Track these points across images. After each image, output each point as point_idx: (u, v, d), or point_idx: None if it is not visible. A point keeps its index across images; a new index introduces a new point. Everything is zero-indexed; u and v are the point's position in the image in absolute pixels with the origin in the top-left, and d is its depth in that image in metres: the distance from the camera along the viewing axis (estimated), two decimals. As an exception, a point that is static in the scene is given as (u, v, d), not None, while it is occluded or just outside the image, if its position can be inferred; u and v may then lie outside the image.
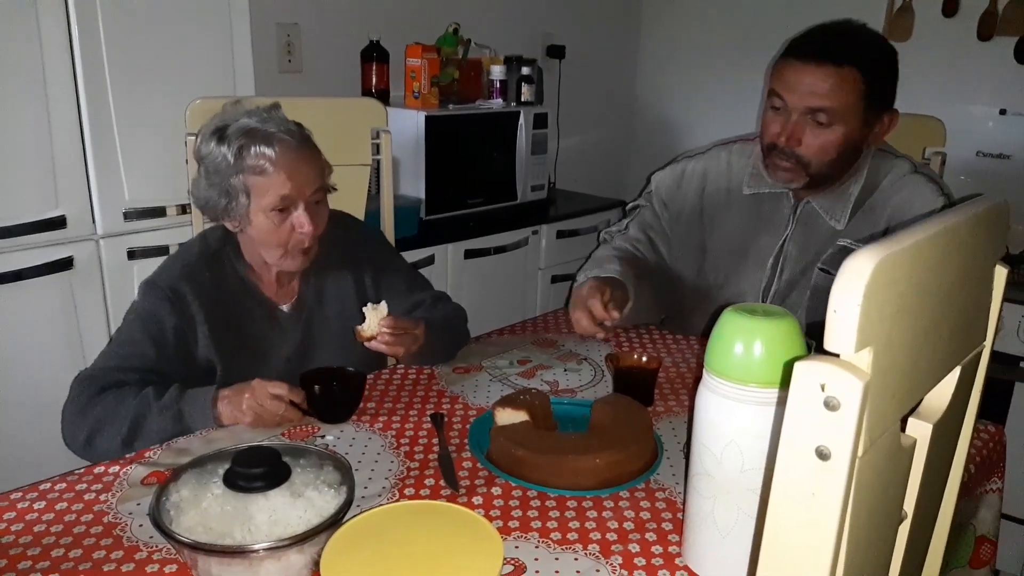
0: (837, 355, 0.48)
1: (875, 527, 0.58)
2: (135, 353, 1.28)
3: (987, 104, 2.75)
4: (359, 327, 1.29)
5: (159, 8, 1.78)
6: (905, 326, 0.52)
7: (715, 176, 1.59)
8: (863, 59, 1.33)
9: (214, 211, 1.33)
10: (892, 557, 0.67)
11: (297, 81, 2.43)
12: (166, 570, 0.88)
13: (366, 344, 1.29)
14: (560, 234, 2.76)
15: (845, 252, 1.41)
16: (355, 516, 0.82)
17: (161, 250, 1.85)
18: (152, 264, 1.82)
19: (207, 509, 0.85)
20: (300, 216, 1.30)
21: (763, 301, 1.55)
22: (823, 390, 0.46)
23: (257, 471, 0.87)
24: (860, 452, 0.48)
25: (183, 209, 1.87)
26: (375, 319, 1.28)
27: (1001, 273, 0.73)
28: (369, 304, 1.29)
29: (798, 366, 0.47)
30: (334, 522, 0.84)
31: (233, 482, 0.87)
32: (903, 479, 0.62)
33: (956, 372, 0.67)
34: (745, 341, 0.80)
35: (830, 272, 1.45)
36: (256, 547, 0.81)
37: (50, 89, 1.66)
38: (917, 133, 1.76)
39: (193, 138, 1.62)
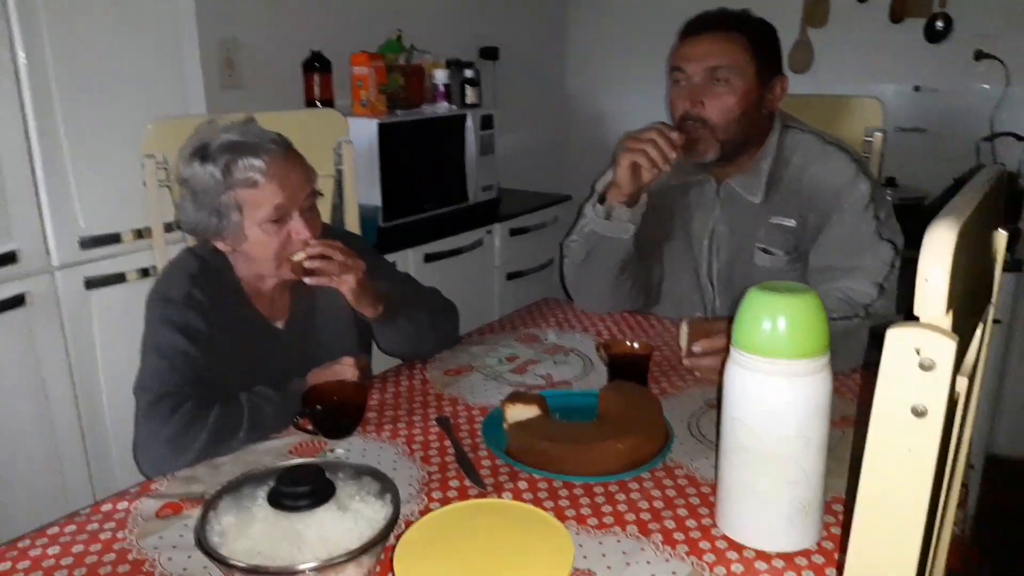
0: (916, 318, 0.52)
1: (943, 476, 0.63)
2: (188, 364, 1.23)
3: (902, 82, 2.93)
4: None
5: (106, 29, 1.71)
6: (965, 288, 0.57)
7: None
8: (746, 27, 1.49)
9: (205, 233, 1.30)
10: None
11: (240, 96, 2.37)
12: (210, 600, 0.87)
13: (304, 278, 1.29)
14: (513, 232, 2.79)
15: (778, 230, 1.51)
16: (420, 519, 0.82)
17: (118, 277, 1.79)
18: (111, 292, 1.78)
19: (254, 534, 0.84)
20: (296, 224, 1.29)
21: (709, 283, 1.63)
22: (918, 353, 0.50)
23: (303, 489, 0.86)
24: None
25: (139, 234, 1.80)
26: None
27: (1002, 236, 0.79)
28: None
29: (892, 332, 0.51)
30: (387, 532, 0.84)
31: (279, 502, 0.86)
32: (958, 431, 0.67)
33: (979, 329, 0.73)
34: (772, 317, 0.84)
35: (770, 251, 1.54)
36: (310, 565, 0.80)
37: (-6, 115, 1.58)
38: (856, 114, 1.87)
39: (150, 160, 1.57)
